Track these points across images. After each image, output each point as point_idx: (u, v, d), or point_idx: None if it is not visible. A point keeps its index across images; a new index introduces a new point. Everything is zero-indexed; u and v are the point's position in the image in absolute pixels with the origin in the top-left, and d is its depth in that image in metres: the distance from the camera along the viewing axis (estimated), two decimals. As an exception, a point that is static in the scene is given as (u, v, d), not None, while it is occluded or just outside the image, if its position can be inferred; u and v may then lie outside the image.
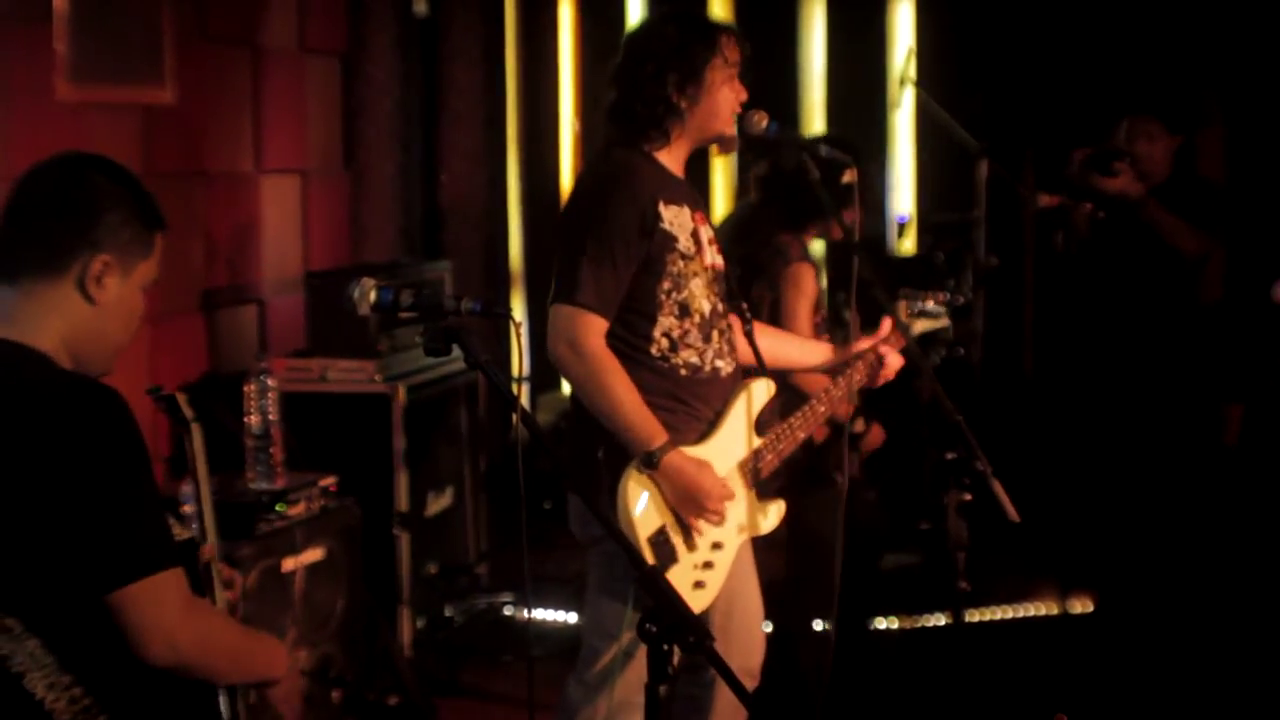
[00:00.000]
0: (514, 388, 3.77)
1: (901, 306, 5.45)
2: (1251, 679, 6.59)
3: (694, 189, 4.93)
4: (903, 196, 9.98)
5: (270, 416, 5.78)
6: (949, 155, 8.50)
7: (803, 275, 5.84)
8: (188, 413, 3.62)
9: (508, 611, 7.47)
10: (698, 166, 10.00)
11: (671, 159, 4.85)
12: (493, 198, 9.23)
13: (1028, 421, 8.73)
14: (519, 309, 9.62)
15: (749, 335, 4.98)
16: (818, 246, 7.66)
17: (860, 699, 6.37)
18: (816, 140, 5.77)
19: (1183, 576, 7.33)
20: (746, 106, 4.96)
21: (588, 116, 10.10)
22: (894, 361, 5.22)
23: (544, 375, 9.85)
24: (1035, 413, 8.81)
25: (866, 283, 5.05)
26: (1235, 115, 9.11)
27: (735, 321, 4.97)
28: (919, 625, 7.56)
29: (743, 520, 4.83)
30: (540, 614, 7.59)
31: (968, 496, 5.38)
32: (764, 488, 4.92)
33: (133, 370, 6.20)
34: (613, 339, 4.64)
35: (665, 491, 4.57)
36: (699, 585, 4.70)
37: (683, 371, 4.71)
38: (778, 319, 5.79)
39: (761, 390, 4.91)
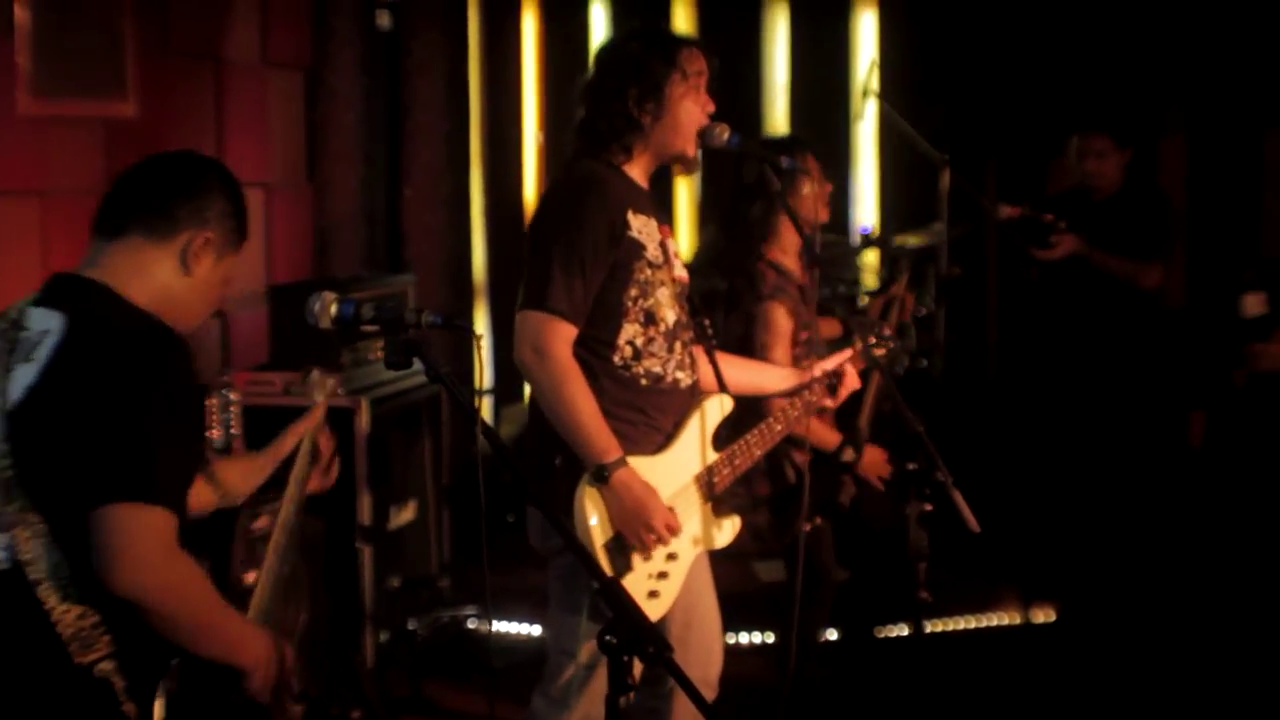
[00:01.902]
0: (476, 401, 3.79)
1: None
2: (1217, 684, 6.61)
3: (658, 204, 4.95)
4: (866, 208, 10.00)
5: (233, 430, 5.77)
6: (912, 166, 8.54)
7: (774, 314, 5.82)
8: (317, 395, 4.24)
9: (471, 625, 7.46)
10: (661, 185, 10.03)
11: (637, 173, 4.87)
12: (456, 211, 9.23)
13: (990, 431, 8.75)
14: (482, 322, 9.62)
15: (710, 353, 5.00)
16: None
17: (820, 710, 6.38)
18: (768, 145, 5.78)
19: (1145, 584, 7.36)
20: (710, 119, 4.98)
21: (551, 130, 10.10)
22: (852, 379, 5.24)
23: (507, 388, 9.85)
24: (997, 423, 8.84)
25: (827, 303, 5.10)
26: (1197, 124, 9.16)
27: (699, 350, 4.99)
28: (880, 635, 7.56)
29: (698, 533, 4.85)
30: (503, 627, 7.59)
31: (928, 507, 5.41)
32: (720, 502, 4.93)
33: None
34: (577, 345, 4.65)
35: (610, 508, 4.59)
36: (653, 595, 4.72)
37: (644, 381, 4.73)
38: (749, 353, 5.81)
39: (718, 406, 4.93)
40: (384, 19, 8.65)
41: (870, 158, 10.04)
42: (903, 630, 7.36)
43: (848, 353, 5.27)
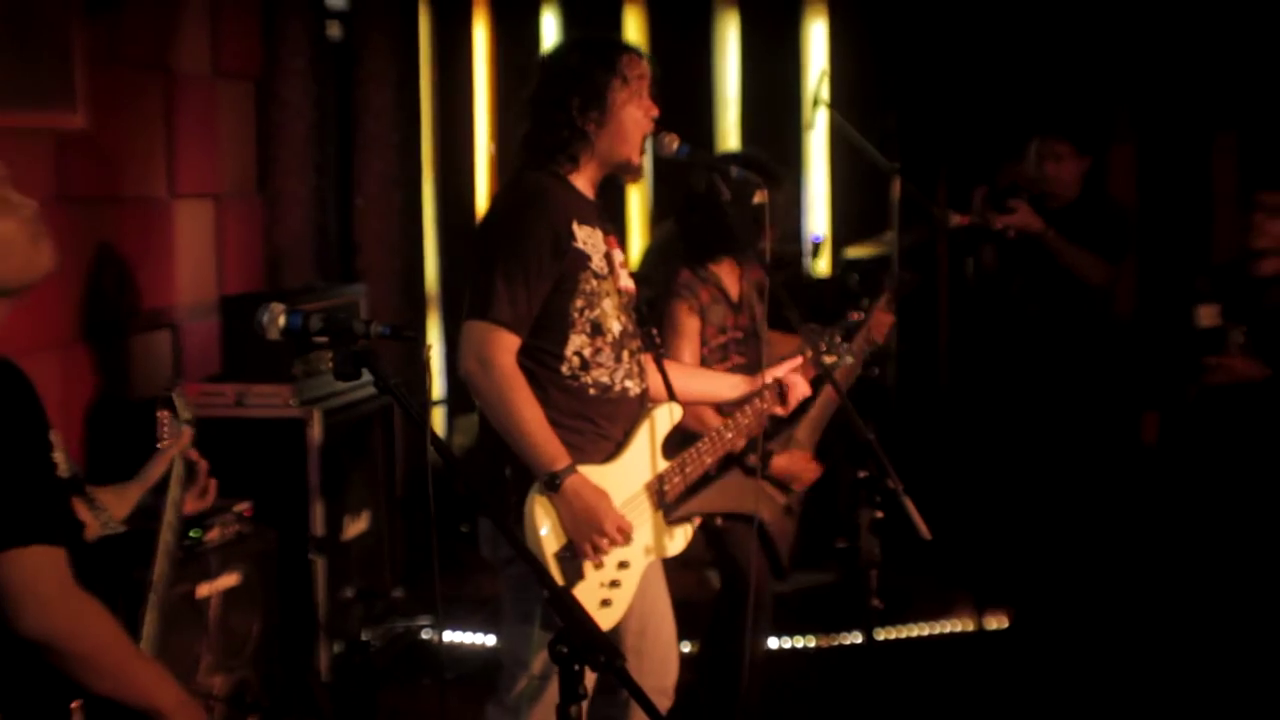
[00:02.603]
0: (427, 412, 3.79)
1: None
2: (1173, 687, 6.64)
3: (606, 214, 4.96)
4: (817, 217, 10.03)
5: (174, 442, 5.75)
6: (863, 175, 8.56)
7: (675, 311, 5.78)
8: (184, 414, 3.65)
9: (425, 635, 7.46)
10: (612, 193, 10.04)
11: (583, 182, 4.89)
12: (408, 221, 9.22)
13: (941, 438, 8.78)
14: (435, 332, 9.62)
15: (658, 361, 5.01)
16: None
17: (775, 718, 6.39)
18: (730, 159, 5.78)
19: (1100, 589, 7.39)
20: (659, 127, 4.99)
21: (503, 139, 10.10)
22: (799, 388, 5.24)
23: (459, 398, 9.84)
24: (948, 430, 8.87)
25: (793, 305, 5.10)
26: (1146, 132, 9.21)
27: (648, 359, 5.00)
28: (833, 644, 7.58)
29: (649, 542, 4.87)
30: (456, 637, 7.59)
31: (880, 514, 5.42)
32: (671, 510, 4.95)
33: (48, 394, 6.17)
34: (524, 357, 4.66)
35: (562, 515, 4.60)
36: (606, 604, 4.74)
37: (592, 391, 4.74)
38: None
39: (668, 414, 4.95)
40: (334, 29, 8.64)
41: (821, 167, 10.07)
42: (855, 638, 7.38)
43: (797, 360, 5.29)
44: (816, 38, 10.00)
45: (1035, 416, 7.53)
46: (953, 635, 7.75)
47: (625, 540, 4.69)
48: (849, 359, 5.55)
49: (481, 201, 10.06)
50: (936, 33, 9.37)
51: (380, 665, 7.00)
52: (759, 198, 5.56)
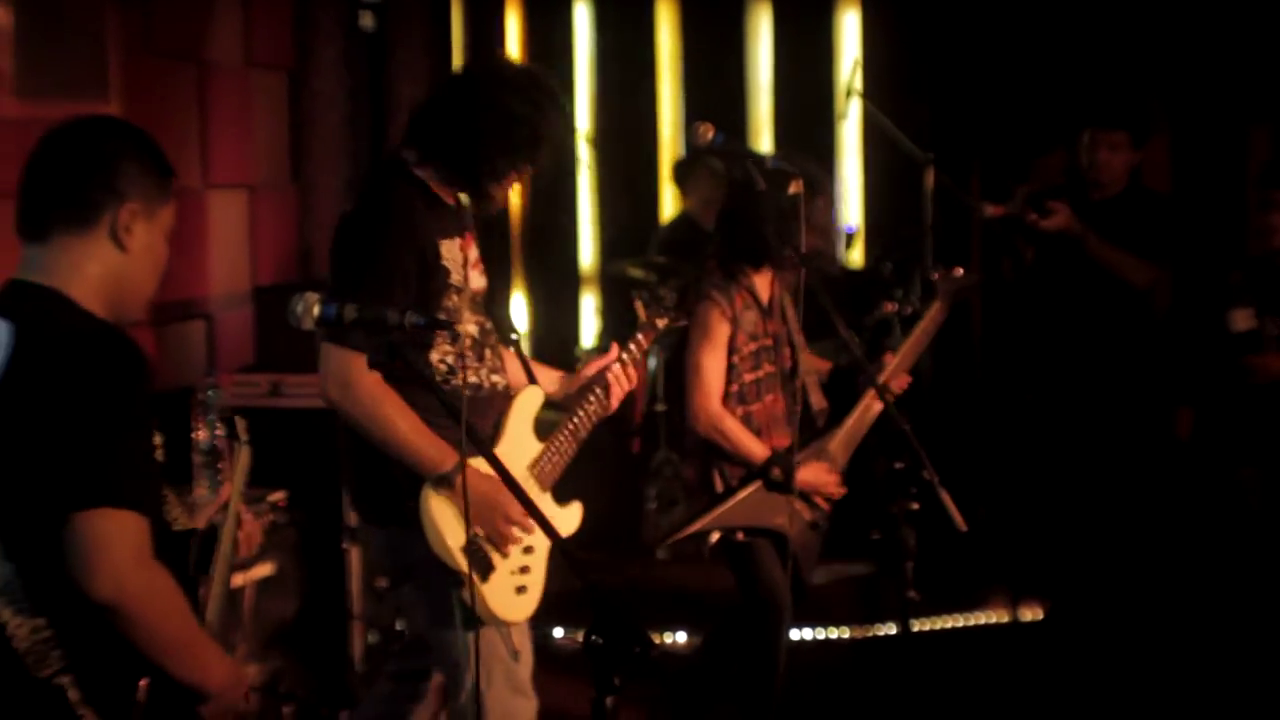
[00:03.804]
0: (462, 400, 3.77)
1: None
2: (1206, 680, 6.61)
3: (462, 209, 4.95)
4: (850, 207, 10.01)
5: (218, 432, 5.77)
6: (896, 166, 8.54)
7: (706, 313, 5.73)
8: (243, 435, 3.77)
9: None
10: (649, 182, 10.04)
11: (442, 187, 4.85)
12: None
13: (976, 430, 8.75)
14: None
15: (517, 350, 5.04)
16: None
17: (810, 709, 6.38)
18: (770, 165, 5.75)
19: (1134, 581, 7.36)
20: (694, 119, 4.97)
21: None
22: (619, 383, 5.15)
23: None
24: (984, 421, 8.84)
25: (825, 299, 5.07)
26: (1181, 123, 9.17)
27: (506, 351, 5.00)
28: (868, 635, 7.57)
29: None
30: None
31: (916, 506, 5.41)
32: (557, 491, 4.94)
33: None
34: (393, 366, 4.65)
35: (460, 506, 4.56)
36: (521, 590, 4.77)
37: (465, 392, 4.69)
38: (682, 348, 5.81)
39: (532, 397, 4.92)
40: (367, 19, 8.64)
41: (854, 158, 10.06)
42: (891, 629, 7.37)
43: (611, 355, 5.19)
44: (849, 28, 9.98)
45: (1071, 408, 7.49)
46: (988, 627, 7.72)
47: (527, 524, 4.68)
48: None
49: (514, 192, 10.06)
50: (970, 22, 9.34)
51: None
52: (794, 188, 5.54)
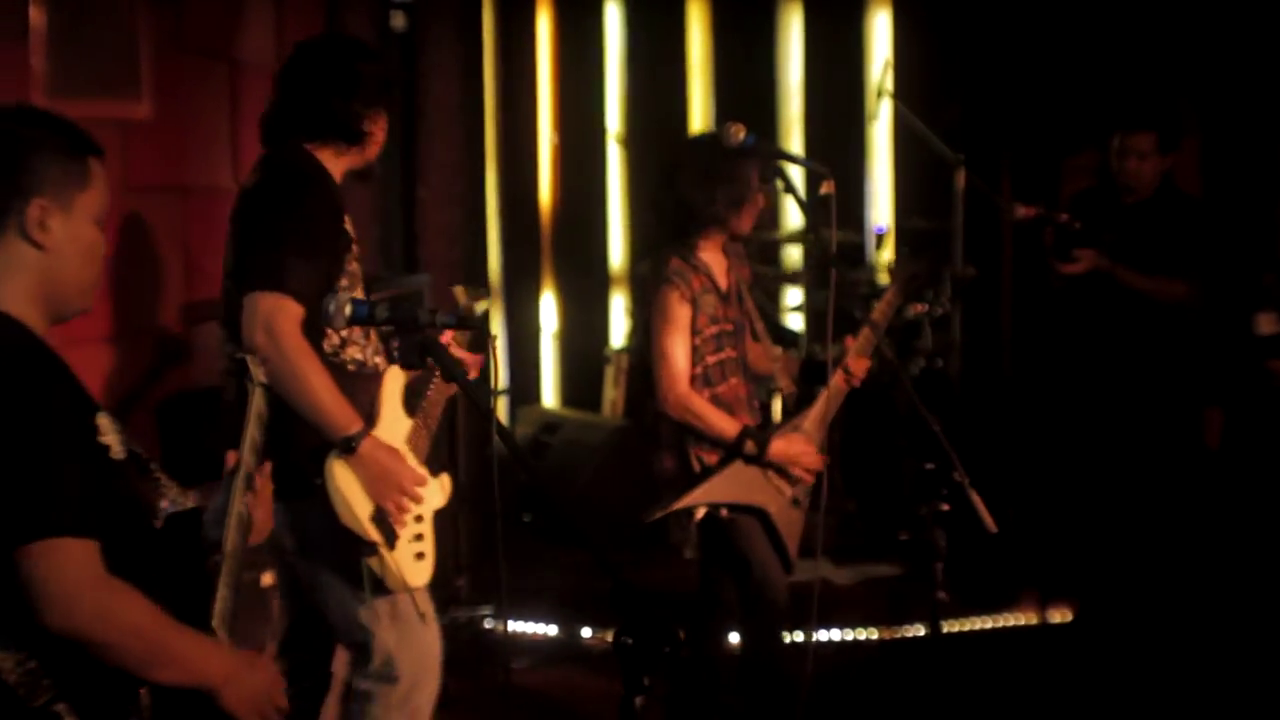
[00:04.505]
0: (491, 401, 3.78)
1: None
2: (1234, 684, 6.60)
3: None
4: (881, 207, 10.00)
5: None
6: (927, 166, 8.53)
7: (666, 299, 5.74)
8: (257, 375, 3.61)
9: (488, 625, 7.47)
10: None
11: (338, 172, 5.00)
12: (471, 211, 9.23)
13: (1006, 431, 8.74)
14: (497, 322, 9.63)
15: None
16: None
17: (838, 710, 6.38)
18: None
19: (1163, 584, 7.35)
20: (725, 119, 4.99)
21: (566, 130, 10.12)
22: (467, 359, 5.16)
23: (522, 388, 9.86)
24: (1013, 423, 8.83)
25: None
26: (1211, 125, 9.14)
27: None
28: (897, 636, 7.56)
29: (427, 494, 4.90)
30: (519, 626, 7.59)
31: (945, 507, 5.40)
32: (429, 463, 4.98)
33: (115, 383, 6.20)
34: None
35: (362, 478, 4.62)
36: (420, 557, 4.85)
37: (350, 367, 4.78)
38: (648, 341, 5.82)
39: (397, 375, 4.94)
40: (398, 19, 8.64)
41: (885, 158, 10.05)
42: (920, 630, 7.36)
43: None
44: (880, 28, 9.97)
45: (1100, 408, 7.48)
46: (1016, 629, 7.71)
47: (418, 495, 4.73)
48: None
49: (544, 191, 10.09)
50: (1001, 22, 9.32)
51: (443, 654, 7.00)
52: (825, 188, 5.54)
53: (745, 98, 9.99)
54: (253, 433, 3.62)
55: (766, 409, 5.95)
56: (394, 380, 4.92)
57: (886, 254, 9.67)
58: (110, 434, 3.25)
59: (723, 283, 5.88)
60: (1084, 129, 8.02)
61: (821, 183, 5.54)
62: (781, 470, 5.79)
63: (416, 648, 4.93)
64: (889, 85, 8.47)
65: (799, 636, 7.09)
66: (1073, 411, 7.65)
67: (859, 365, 5.92)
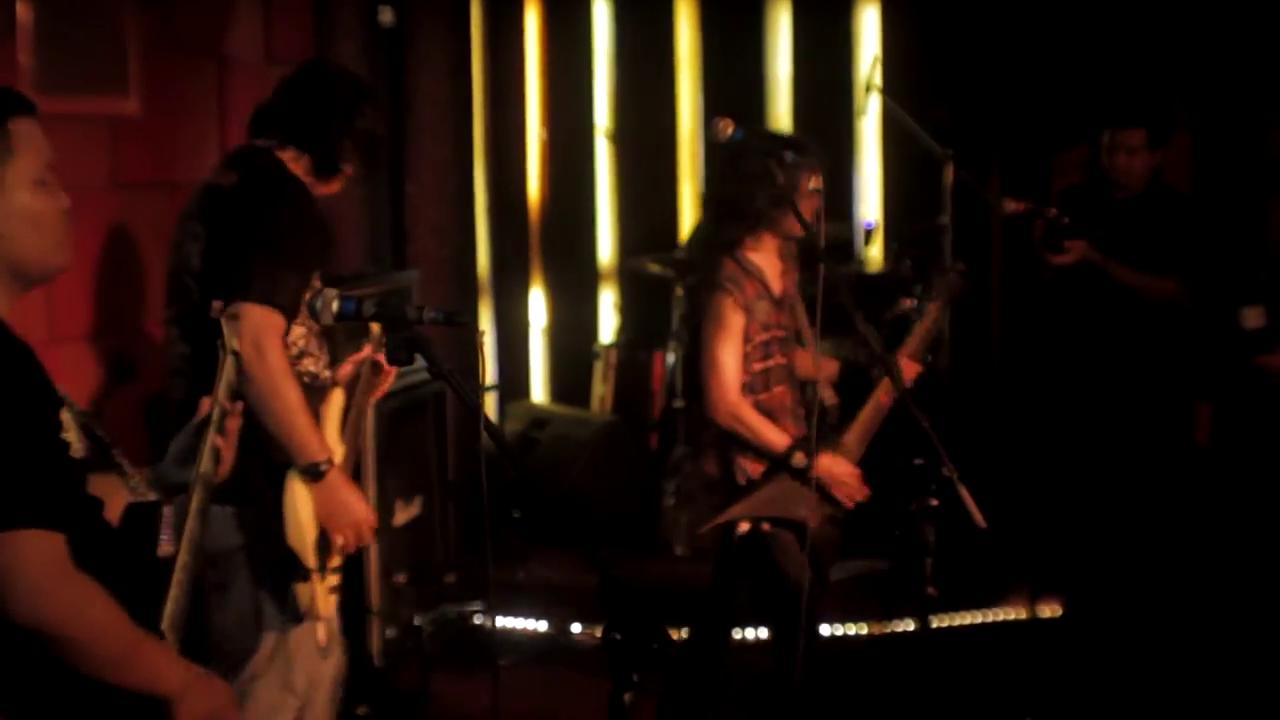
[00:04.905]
0: (480, 397, 3.78)
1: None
2: (1223, 680, 6.60)
3: None
4: (869, 203, 10.00)
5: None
6: (915, 162, 8.52)
7: (719, 305, 5.67)
8: (231, 343, 3.55)
9: (477, 620, 7.47)
10: (667, 178, 10.05)
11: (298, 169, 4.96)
12: (460, 207, 9.22)
13: (995, 426, 8.75)
14: (486, 318, 9.63)
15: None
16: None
17: (828, 705, 6.38)
18: (780, 142, 5.74)
19: (1152, 579, 7.36)
20: (714, 114, 4.98)
21: (554, 126, 10.12)
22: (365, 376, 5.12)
23: (511, 384, 9.85)
24: (1002, 418, 8.83)
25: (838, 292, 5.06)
26: (1200, 118, 9.15)
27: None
28: (887, 631, 7.57)
29: None
30: (508, 622, 7.59)
31: (935, 502, 5.41)
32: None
33: (101, 380, 6.20)
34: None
35: (319, 505, 4.60)
36: (333, 590, 4.80)
37: (304, 379, 4.74)
38: (697, 347, 5.77)
39: (338, 397, 4.90)
40: (386, 15, 8.64)
41: (874, 153, 10.05)
42: (910, 626, 7.36)
43: (366, 351, 5.15)
44: (869, 23, 9.97)
45: (1089, 403, 7.49)
46: (1006, 624, 7.72)
47: (371, 538, 4.72)
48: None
49: (533, 188, 10.09)
50: (990, 17, 9.32)
51: (432, 650, 7.01)
52: (814, 182, 5.54)
53: (734, 93, 9.99)
54: (229, 376, 3.54)
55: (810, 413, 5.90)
56: (336, 403, 4.88)
57: (875, 249, 9.68)
58: (71, 430, 3.21)
59: (776, 287, 5.82)
60: (1074, 124, 8.02)
61: (810, 176, 5.54)
62: (823, 487, 5.74)
63: (277, 682, 4.84)
64: (878, 80, 8.46)
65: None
66: (1061, 406, 7.66)
67: (911, 370, 5.92)
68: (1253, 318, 7.05)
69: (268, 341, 4.51)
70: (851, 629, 7.56)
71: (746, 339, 5.70)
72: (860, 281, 8.83)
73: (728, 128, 5.06)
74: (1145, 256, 7.29)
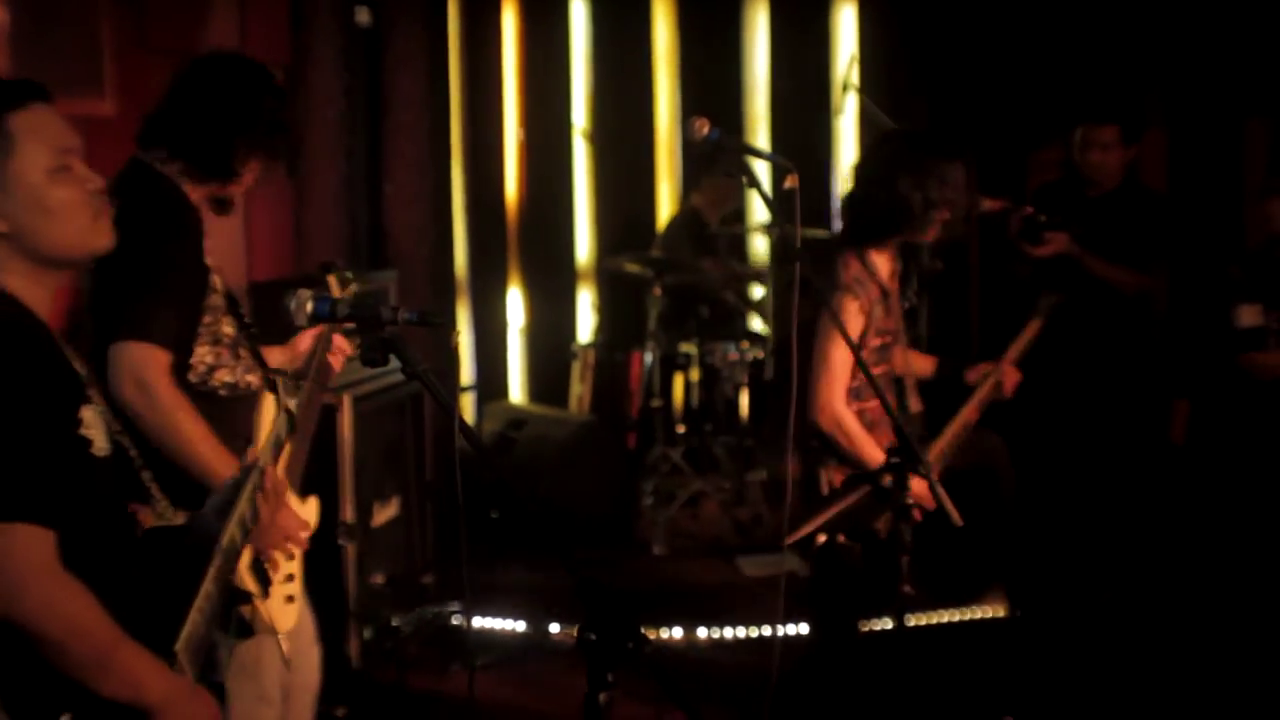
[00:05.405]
0: (455, 397, 3.77)
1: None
2: (1202, 676, 6.61)
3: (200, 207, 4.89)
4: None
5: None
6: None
7: (844, 306, 5.63)
8: (285, 402, 3.62)
9: (454, 621, 7.46)
10: (642, 173, 10.05)
11: (188, 184, 4.82)
12: (437, 207, 9.22)
13: (974, 424, 8.75)
14: (463, 318, 9.62)
15: (254, 347, 4.94)
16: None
17: (804, 703, 6.38)
18: (934, 143, 5.75)
19: (1129, 577, 7.37)
20: (691, 114, 4.97)
21: (531, 126, 10.11)
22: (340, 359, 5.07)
23: (488, 385, 9.85)
24: (980, 416, 8.84)
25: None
26: (1177, 118, 9.17)
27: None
28: (864, 629, 7.56)
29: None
30: (485, 623, 7.58)
31: (910, 500, 5.39)
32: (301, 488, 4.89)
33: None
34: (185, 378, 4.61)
35: None
36: (290, 599, 4.73)
37: (222, 392, 4.68)
38: (810, 338, 5.65)
39: (271, 403, 4.70)
40: (363, 15, 8.64)
41: (850, 152, 10.06)
42: (886, 624, 7.36)
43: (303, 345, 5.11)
44: (846, 22, 9.99)
45: (1067, 401, 7.50)
46: (983, 621, 7.72)
47: (303, 542, 4.64)
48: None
49: (510, 188, 10.09)
50: (966, 17, 9.34)
51: (410, 651, 7.01)
52: (789, 182, 5.53)
53: (711, 93, 10.01)
54: (279, 432, 3.60)
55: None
56: (269, 406, 4.75)
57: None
58: (95, 428, 3.19)
59: (890, 287, 5.82)
60: (1051, 122, 8.03)
61: (786, 177, 5.53)
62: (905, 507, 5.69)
63: (252, 694, 4.78)
64: (854, 79, 8.49)
65: (765, 631, 7.15)
66: (1039, 404, 7.66)
67: (1011, 377, 5.92)
68: (1249, 316, 7.06)
69: (150, 377, 4.42)
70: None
71: (863, 344, 5.65)
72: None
73: (704, 127, 5.04)
74: (1119, 253, 7.31)
